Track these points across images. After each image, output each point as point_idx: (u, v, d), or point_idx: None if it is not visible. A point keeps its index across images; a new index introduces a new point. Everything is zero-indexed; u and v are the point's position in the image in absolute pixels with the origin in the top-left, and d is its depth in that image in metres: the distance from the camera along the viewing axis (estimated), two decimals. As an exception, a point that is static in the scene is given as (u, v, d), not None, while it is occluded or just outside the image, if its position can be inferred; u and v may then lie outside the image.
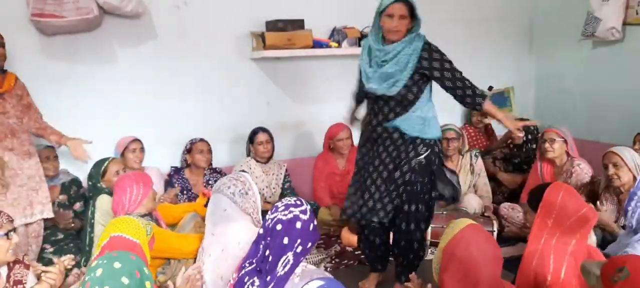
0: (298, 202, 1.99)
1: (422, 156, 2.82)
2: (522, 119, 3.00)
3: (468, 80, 2.75)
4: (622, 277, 1.49)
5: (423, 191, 2.86)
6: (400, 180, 2.82)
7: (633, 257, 1.59)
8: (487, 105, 2.73)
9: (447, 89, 2.76)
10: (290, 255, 1.89)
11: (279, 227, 1.93)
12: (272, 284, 1.88)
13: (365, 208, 2.88)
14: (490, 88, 4.87)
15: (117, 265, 1.63)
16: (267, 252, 1.94)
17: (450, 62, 2.76)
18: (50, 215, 3.18)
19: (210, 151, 3.95)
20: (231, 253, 2.30)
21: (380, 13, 2.76)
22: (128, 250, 1.90)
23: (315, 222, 1.99)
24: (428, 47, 2.75)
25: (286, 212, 1.95)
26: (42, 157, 3.39)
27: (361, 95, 3.09)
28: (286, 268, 1.88)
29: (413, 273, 2.37)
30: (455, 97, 2.77)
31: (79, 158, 3.25)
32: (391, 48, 2.75)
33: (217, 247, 2.37)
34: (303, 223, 1.92)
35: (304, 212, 1.95)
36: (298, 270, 1.92)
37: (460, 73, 2.76)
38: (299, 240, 1.90)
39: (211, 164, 4.01)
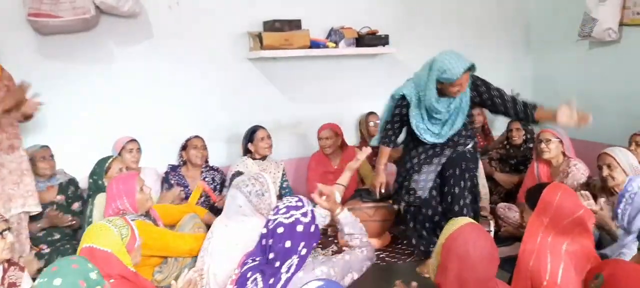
0: (299, 204, 2.04)
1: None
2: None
3: (513, 96, 3.07)
4: (598, 284, 1.49)
5: None
6: None
7: (610, 264, 1.59)
8: (539, 111, 3.03)
9: (499, 111, 3.09)
10: (294, 258, 1.94)
11: (280, 229, 1.97)
12: (279, 285, 1.91)
13: None
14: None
15: (57, 282, 1.60)
16: (271, 255, 1.97)
17: (498, 89, 3.08)
18: (34, 209, 3.12)
19: (205, 147, 3.96)
20: (234, 250, 2.34)
21: (442, 80, 2.90)
22: (98, 261, 1.89)
23: (317, 221, 2.05)
24: (474, 82, 3.04)
25: (287, 215, 1.99)
26: (37, 157, 3.38)
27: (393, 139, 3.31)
28: (291, 270, 1.93)
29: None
30: (508, 114, 3.09)
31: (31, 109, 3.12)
32: (450, 102, 3.02)
33: (222, 242, 2.43)
34: (304, 226, 1.97)
35: (304, 214, 2.00)
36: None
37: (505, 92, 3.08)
38: (302, 243, 1.95)
39: (207, 161, 4.01)
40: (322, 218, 2.44)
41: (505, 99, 3.05)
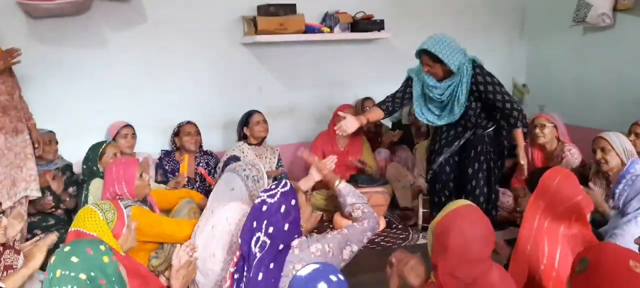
0: (272, 186, 2.11)
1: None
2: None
3: (514, 100, 3.22)
4: (582, 267, 1.49)
5: None
6: None
7: (595, 248, 1.58)
8: (519, 132, 3.24)
9: (496, 108, 3.20)
10: (260, 235, 2.00)
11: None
12: (256, 261, 1.97)
13: None
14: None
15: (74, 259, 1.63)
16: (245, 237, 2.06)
17: (500, 84, 3.19)
18: (36, 194, 3.12)
19: (198, 133, 3.95)
20: (219, 230, 2.35)
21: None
22: None
23: (293, 203, 2.06)
24: (474, 74, 3.15)
25: (258, 198, 2.10)
26: (44, 140, 3.37)
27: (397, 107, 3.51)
28: (266, 249, 1.97)
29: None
30: (502, 115, 3.24)
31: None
32: (443, 85, 3.19)
33: (209, 225, 2.42)
34: (269, 206, 2.04)
35: (272, 195, 2.06)
36: (295, 242, 2.02)
37: (507, 93, 3.22)
38: (265, 221, 2.01)
39: (201, 146, 4.00)
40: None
41: (498, 107, 3.21)
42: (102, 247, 1.71)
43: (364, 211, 2.31)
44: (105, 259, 1.68)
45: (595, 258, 1.47)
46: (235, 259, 2.10)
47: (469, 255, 1.73)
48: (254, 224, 2.02)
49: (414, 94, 3.36)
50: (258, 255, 1.97)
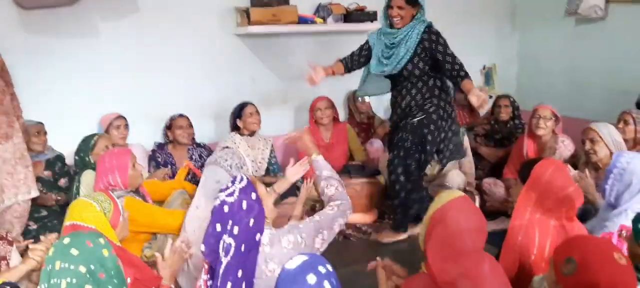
0: (228, 185, 1.98)
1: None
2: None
3: (459, 60, 3.21)
4: (570, 269, 1.50)
5: None
6: None
7: (580, 244, 1.58)
8: (466, 82, 3.16)
9: (443, 68, 3.22)
10: (225, 237, 1.88)
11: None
12: (223, 268, 1.85)
13: None
14: (483, 67, 4.96)
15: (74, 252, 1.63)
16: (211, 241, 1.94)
17: (451, 55, 3.21)
18: (26, 197, 3.10)
19: (190, 125, 3.94)
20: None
21: (386, 7, 3.27)
22: None
23: (254, 197, 1.96)
24: (428, 30, 3.21)
25: (216, 200, 1.96)
26: (32, 132, 3.36)
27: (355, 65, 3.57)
28: (231, 252, 1.86)
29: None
30: (447, 74, 3.25)
31: None
32: (398, 32, 3.25)
33: (199, 220, 2.40)
34: (230, 205, 1.91)
35: (230, 194, 1.94)
36: (265, 238, 1.94)
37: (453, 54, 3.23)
38: (230, 222, 1.89)
39: (194, 139, 3.99)
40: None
41: (448, 60, 3.19)
42: (101, 240, 1.71)
43: (338, 189, 2.22)
44: (105, 252, 1.68)
45: (582, 258, 1.50)
46: (206, 266, 1.99)
47: (463, 246, 1.76)
48: (218, 227, 1.90)
49: (372, 53, 3.44)
50: (224, 261, 1.86)
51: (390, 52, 3.31)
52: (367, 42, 3.50)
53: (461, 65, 3.20)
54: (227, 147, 3.66)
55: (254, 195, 1.97)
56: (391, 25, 3.30)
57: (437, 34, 3.24)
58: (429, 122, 3.28)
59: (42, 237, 2.31)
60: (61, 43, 3.71)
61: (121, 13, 3.86)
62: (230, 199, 1.93)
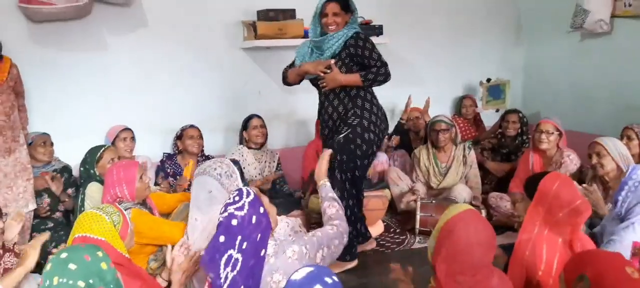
0: (236, 198, 1.94)
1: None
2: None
3: (379, 66, 3.09)
4: (584, 287, 1.49)
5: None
6: None
7: (591, 260, 1.57)
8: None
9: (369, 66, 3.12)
10: (232, 252, 1.84)
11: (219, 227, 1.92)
12: (228, 284, 1.82)
13: None
14: (488, 80, 4.96)
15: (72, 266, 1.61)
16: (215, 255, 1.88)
17: (377, 59, 3.10)
18: (27, 209, 3.11)
19: (201, 136, 3.96)
20: (211, 234, 2.30)
21: (319, 14, 3.18)
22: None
23: (262, 211, 1.94)
24: (356, 36, 3.13)
25: (224, 212, 1.92)
26: (38, 142, 3.37)
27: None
28: (238, 268, 1.83)
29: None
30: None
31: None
32: (326, 36, 3.17)
33: (199, 230, 2.38)
34: (240, 219, 1.87)
35: (240, 208, 1.90)
36: (270, 249, 1.93)
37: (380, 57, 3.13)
38: (239, 238, 1.85)
39: (203, 150, 4.01)
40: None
41: (375, 64, 3.10)
42: (100, 254, 1.69)
43: (339, 212, 2.34)
44: (104, 266, 1.66)
45: (594, 274, 1.49)
46: (209, 281, 1.92)
47: (472, 260, 1.75)
48: (221, 239, 1.85)
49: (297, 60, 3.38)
50: (229, 276, 1.82)
51: (316, 55, 3.27)
52: (294, 60, 3.43)
53: (379, 68, 3.08)
54: (235, 160, 3.68)
55: (262, 209, 1.95)
56: (322, 34, 3.22)
57: (365, 39, 3.14)
58: (355, 137, 3.11)
59: (33, 240, 2.32)
60: (70, 56, 3.75)
61: (129, 26, 3.90)
62: (240, 213, 1.89)
